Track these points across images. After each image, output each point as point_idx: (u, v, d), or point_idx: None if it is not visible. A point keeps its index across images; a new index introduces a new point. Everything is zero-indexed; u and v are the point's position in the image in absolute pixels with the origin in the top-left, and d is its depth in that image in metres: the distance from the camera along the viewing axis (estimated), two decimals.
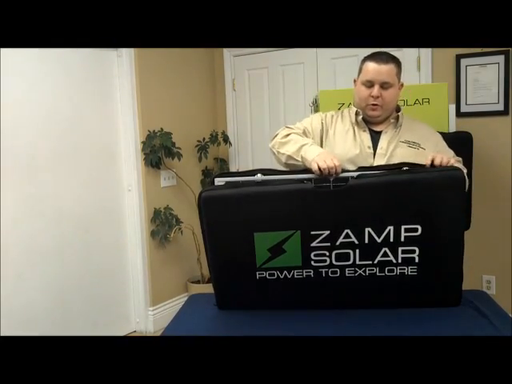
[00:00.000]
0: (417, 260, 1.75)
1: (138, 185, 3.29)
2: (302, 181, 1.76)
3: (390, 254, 1.75)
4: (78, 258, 3.01)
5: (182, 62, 3.60)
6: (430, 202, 1.71)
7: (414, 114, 2.48)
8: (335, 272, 1.78)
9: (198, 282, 3.61)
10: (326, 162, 1.73)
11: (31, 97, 2.76)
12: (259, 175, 1.79)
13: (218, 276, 1.88)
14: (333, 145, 1.97)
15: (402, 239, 1.73)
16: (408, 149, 1.93)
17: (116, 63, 3.23)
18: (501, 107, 2.97)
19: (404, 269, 1.77)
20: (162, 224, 3.38)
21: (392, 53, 2.00)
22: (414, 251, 1.74)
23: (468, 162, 2.45)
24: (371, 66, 1.91)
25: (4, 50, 2.58)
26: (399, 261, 1.75)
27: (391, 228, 1.71)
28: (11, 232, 2.67)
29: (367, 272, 1.77)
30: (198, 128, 3.74)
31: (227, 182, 1.81)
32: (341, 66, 3.33)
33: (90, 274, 3.08)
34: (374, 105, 1.92)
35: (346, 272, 1.78)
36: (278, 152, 1.95)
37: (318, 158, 1.77)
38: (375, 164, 1.90)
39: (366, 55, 1.99)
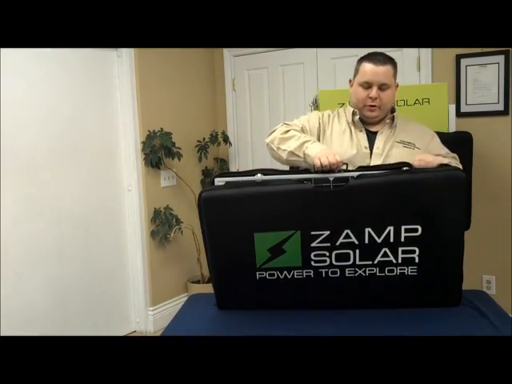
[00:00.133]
0: (417, 260, 1.75)
1: (138, 185, 3.29)
2: (302, 181, 1.76)
3: (390, 254, 1.75)
4: (78, 258, 3.01)
5: (182, 62, 3.60)
6: (431, 202, 1.71)
7: (414, 114, 2.49)
8: (335, 272, 1.78)
9: (198, 281, 3.61)
10: (329, 159, 1.74)
11: (31, 97, 2.76)
12: (259, 175, 1.79)
13: (218, 276, 1.88)
14: (330, 145, 1.97)
15: (402, 239, 1.73)
16: (403, 149, 1.94)
17: (116, 63, 3.23)
18: (501, 107, 2.97)
19: (404, 269, 1.76)
20: (161, 224, 3.38)
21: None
22: (414, 251, 1.74)
23: (468, 162, 2.45)
24: (369, 67, 1.92)
25: (4, 50, 2.58)
26: (399, 261, 1.75)
27: (391, 228, 1.71)
28: (11, 232, 2.67)
29: (367, 272, 1.77)
30: (198, 128, 3.74)
31: (227, 182, 1.81)
32: (341, 66, 3.34)
33: (90, 274, 3.08)
34: (371, 106, 1.93)
35: (346, 272, 1.78)
36: (278, 148, 1.94)
37: (320, 154, 1.77)
38: (372, 164, 1.91)
39: (361, 56, 1.99)
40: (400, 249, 1.74)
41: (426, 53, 3.14)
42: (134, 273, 3.36)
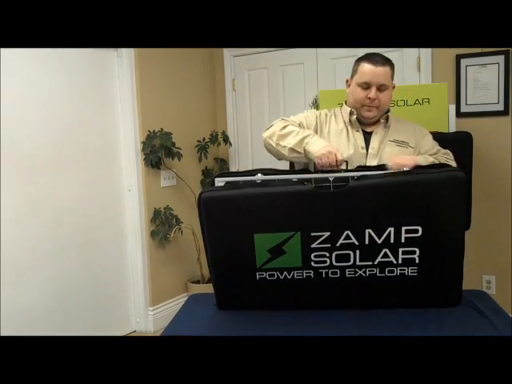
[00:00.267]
0: (417, 261, 1.75)
1: (138, 185, 3.29)
2: (302, 182, 1.75)
3: (390, 254, 1.75)
4: (78, 258, 3.01)
5: (182, 62, 3.61)
6: (431, 203, 1.71)
7: (414, 114, 2.49)
8: (335, 273, 1.78)
9: (197, 281, 3.61)
10: (329, 159, 1.74)
11: (31, 97, 2.76)
12: (259, 175, 1.79)
13: (218, 277, 1.88)
14: None
15: (403, 240, 1.72)
16: (396, 147, 1.96)
17: (116, 63, 3.23)
18: (501, 107, 2.97)
19: (404, 269, 1.76)
20: (161, 224, 3.39)
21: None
22: (414, 252, 1.74)
23: (468, 162, 2.45)
24: (368, 67, 1.93)
25: (4, 50, 2.58)
26: (399, 261, 1.75)
27: (392, 229, 1.71)
28: (11, 232, 2.67)
29: (367, 273, 1.77)
30: (198, 128, 3.74)
31: (227, 183, 1.81)
32: (341, 66, 3.34)
33: (90, 274, 3.08)
34: (369, 106, 1.95)
35: (346, 273, 1.78)
36: (278, 144, 1.93)
37: (320, 153, 1.77)
38: (367, 164, 1.91)
39: (359, 56, 2.00)
40: (400, 249, 1.74)
41: (425, 53, 3.14)
42: (134, 273, 3.36)
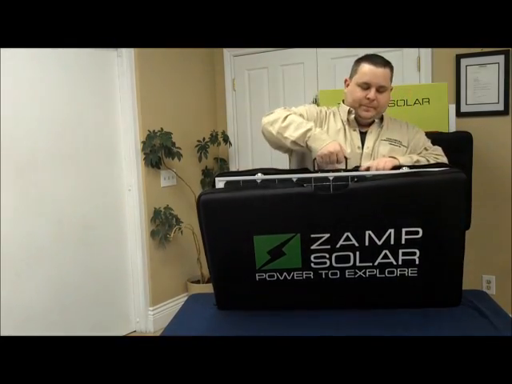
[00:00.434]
0: (417, 262, 1.75)
1: (138, 185, 3.29)
2: (301, 184, 1.75)
3: (390, 256, 1.74)
4: (78, 258, 3.01)
5: (182, 62, 3.60)
6: (431, 204, 1.70)
7: (414, 114, 2.49)
8: (335, 274, 1.78)
9: (197, 281, 3.61)
10: (331, 159, 1.76)
11: (31, 97, 2.76)
12: (259, 174, 1.79)
13: (218, 278, 1.87)
14: None
15: (403, 242, 1.72)
16: (390, 146, 1.97)
17: (116, 63, 3.23)
18: (501, 107, 2.97)
19: (404, 270, 1.76)
20: (161, 224, 3.39)
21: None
22: (414, 253, 1.74)
23: (468, 162, 2.46)
24: (368, 68, 1.93)
25: (4, 50, 2.58)
26: (399, 263, 1.75)
27: (392, 231, 1.71)
28: (11, 232, 2.67)
29: (367, 274, 1.77)
30: (198, 128, 3.74)
31: (227, 183, 1.81)
32: (341, 66, 3.33)
33: (90, 274, 3.08)
34: (368, 106, 1.95)
35: (346, 274, 1.77)
36: (279, 133, 1.92)
37: (322, 152, 1.79)
38: (362, 164, 1.91)
39: (359, 56, 2.00)
40: (400, 251, 1.73)
41: (425, 53, 3.14)
42: (134, 273, 3.36)
